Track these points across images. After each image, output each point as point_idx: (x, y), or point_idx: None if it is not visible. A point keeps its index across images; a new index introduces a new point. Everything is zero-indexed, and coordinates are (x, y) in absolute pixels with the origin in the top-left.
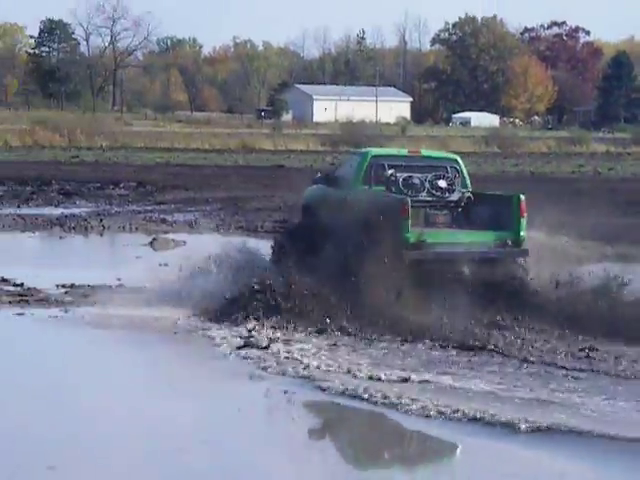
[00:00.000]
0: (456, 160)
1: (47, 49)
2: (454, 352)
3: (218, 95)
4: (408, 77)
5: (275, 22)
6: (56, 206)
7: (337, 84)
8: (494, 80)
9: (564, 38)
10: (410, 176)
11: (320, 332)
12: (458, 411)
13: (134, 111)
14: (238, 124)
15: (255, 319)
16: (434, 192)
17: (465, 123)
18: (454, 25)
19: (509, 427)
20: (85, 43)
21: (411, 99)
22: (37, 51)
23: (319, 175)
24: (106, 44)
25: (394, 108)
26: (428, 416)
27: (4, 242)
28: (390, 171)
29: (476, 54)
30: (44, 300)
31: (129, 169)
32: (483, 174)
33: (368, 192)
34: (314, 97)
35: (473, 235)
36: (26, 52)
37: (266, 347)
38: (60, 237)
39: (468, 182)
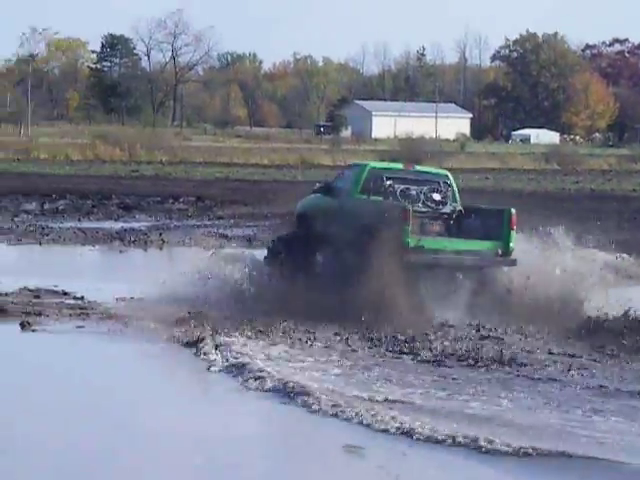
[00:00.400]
0: (447, 175)
1: (109, 64)
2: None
3: (277, 110)
4: (468, 93)
5: (335, 38)
6: (116, 220)
7: (397, 100)
8: (555, 97)
9: (626, 55)
10: (407, 188)
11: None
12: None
13: (194, 126)
14: (297, 139)
15: None
16: (429, 204)
17: (525, 140)
18: (515, 42)
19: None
20: (146, 58)
21: (471, 115)
22: (99, 66)
23: (318, 185)
24: (167, 59)
25: (454, 124)
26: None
27: (65, 255)
28: (389, 182)
29: (537, 71)
30: (104, 313)
31: (189, 184)
32: (543, 191)
33: (370, 200)
34: (373, 113)
35: (467, 244)
36: (88, 67)
37: None
38: (120, 251)
39: (457, 196)
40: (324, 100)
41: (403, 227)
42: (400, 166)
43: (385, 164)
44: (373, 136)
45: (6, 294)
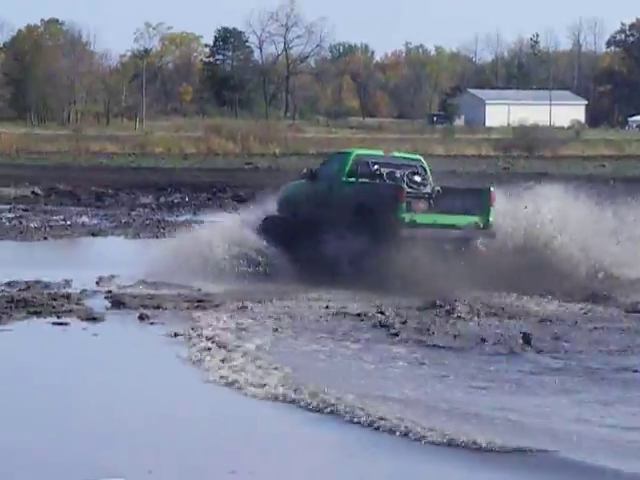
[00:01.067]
0: (421, 160)
1: (222, 57)
2: None
3: (389, 101)
4: (582, 80)
5: (447, 27)
6: (231, 212)
7: (510, 88)
8: None
9: None
10: (393, 171)
11: None
12: None
13: (306, 118)
14: (409, 129)
15: None
16: (412, 185)
17: None
18: (631, 26)
19: None
20: (259, 51)
21: (586, 102)
22: (212, 59)
23: (304, 172)
24: (279, 51)
25: (568, 112)
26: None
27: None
28: (375, 166)
29: None
30: (220, 305)
31: None
32: None
33: (364, 182)
34: (486, 101)
35: (453, 219)
36: (201, 61)
37: None
38: None
39: (431, 178)
40: (437, 89)
41: (398, 205)
42: (381, 153)
43: (369, 151)
44: (486, 125)
45: (125, 287)
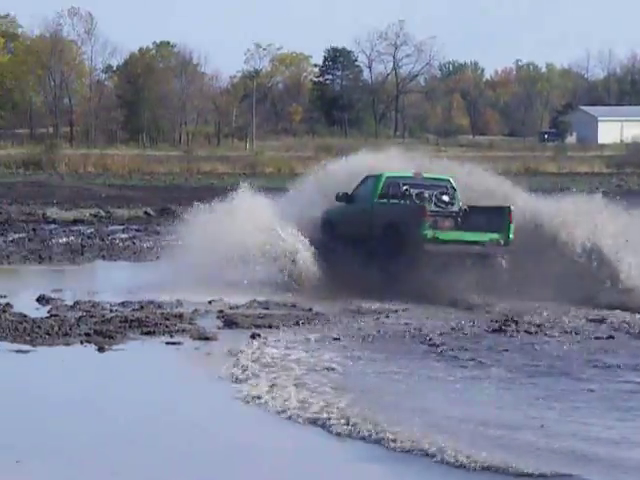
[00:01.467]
0: (450, 181)
1: (331, 77)
2: None
3: (500, 118)
4: None
5: (558, 44)
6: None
7: (623, 104)
8: None
9: None
10: (422, 192)
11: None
12: None
13: (416, 136)
14: (521, 147)
15: None
16: (440, 204)
17: None
18: None
19: None
20: (368, 70)
21: None
22: (321, 79)
23: (339, 195)
24: (388, 70)
25: None
26: None
27: None
28: (405, 187)
29: None
30: (329, 322)
31: None
32: None
33: (393, 203)
34: (599, 118)
35: (474, 235)
36: (311, 80)
37: None
38: None
39: (459, 197)
40: (547, 106)
41: (422, 222)
42: (410, 174)
43: (398, 173)
44: (599, 142)
45: (237, 307)
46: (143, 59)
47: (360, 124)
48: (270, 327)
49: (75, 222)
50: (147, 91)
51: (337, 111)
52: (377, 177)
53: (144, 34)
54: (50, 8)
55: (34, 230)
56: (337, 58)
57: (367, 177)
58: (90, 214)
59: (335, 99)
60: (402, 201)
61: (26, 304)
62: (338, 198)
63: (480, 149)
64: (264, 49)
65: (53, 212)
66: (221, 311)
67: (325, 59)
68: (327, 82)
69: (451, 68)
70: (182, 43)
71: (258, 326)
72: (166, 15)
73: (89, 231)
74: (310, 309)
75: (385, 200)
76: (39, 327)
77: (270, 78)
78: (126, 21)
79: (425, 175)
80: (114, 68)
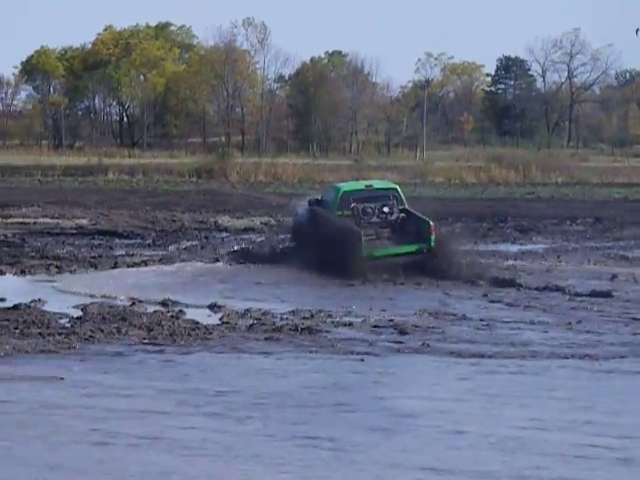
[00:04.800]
0: (396, 189)
1: (503, 86)
2: None
3: None
4: None
5: None
6: (512, 243)
7: None
8: None
9: None
10: (365, 207)
11: None
12: None
13: (590, 146)
14: None
15: None
16: (381, 216)
17: None
18: None
19: None
20: (541, 79)
21: None
22: (493, 88)
23: (312, 199)
24: (562, 79)
25: None
26: None
27: None
28: (353, 204)
29: None
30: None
31: (586, 205)
32: None
33: (342, 219)
34: None
35: (404, 248)
36: (482, 90)
37: None
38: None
39: (404, 201)
40: None
41: (358, 245)
42: (363, 186)
43: (353, 186)
44: None
45: (406, 316)
46: (315, 68)
47: (532, 134)
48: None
49: (246, 230)
50: (318, 100)
51: (509, 120)
52: (336, 190)
53: (316, 44)
54: (225, 19)
55: (206, 238)
56: (510, 67)
57: (330, 187)
58: (261, 222)
59: (507, 108)
60: (352, 214)
61: (198, 311)
62: (310, 203)
63: None
64: (435, 58)
65: (225, 220)
66: (391, 320)
67: (497, 68)
68: (499, 91)
69: (628, 77)
70: (353, 52)
71: (428, 336)
72: (338, 25)
73: (260, 239)
74: (481, 320)
75: (340, 212)
76: (210, 333)
77: (441, 87)
78: (299, 31)
79: (375, 186)
80: (286, 77)
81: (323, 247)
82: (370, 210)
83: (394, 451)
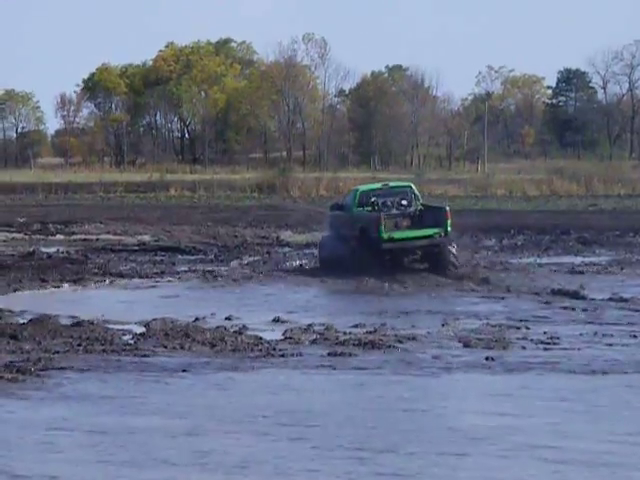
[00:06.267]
0: (411, 187)
1: (564, 98)
2: None
3: None
4: None
5: None
6: (575, 255)
7: None
8: None
9: None
10: (385, 200)
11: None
12: None
13: None
14: None
15: None
16: (400, 207)
17: None
18: None
19: None
20: (602, 91)
21: None
22: (554, 101)
23: (334, 203)
24: (624, 91)
25: None
26: None
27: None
28: (373, 198)
29: None
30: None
31: None
32: None
33: (362, 212)
34: None
35: (421, 231)
36: (543, 102)
37: None
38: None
39: (419, 197)
40: None
41: (379, 227)
42: (379, 185)
43: (369, 186)
44: None
45: (469, 329)
46: (375, 83)
47: (594, 146)
48: (504, 349)
49: (308, 245)
50: (379, 114)
51: (570, 133)
52: (354, 191)
53: (376, 58)
54: (285, 34)
55: (268, 253)
56: (570, 79)
57: (350, 190)
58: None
59: (568, 121)
60: (372, 208)
61: (261, 326)
62: (332, 208)
63: None
64: (496, 71)
65: (287, 235)
66: (454, 335)
67: (558, 80)
68: (560, 104)
69: None
70: (414, 66)
71: (491, 348)
72: (398, 39)
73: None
74: (545, 332)
75: (361, 208)
76: (274, 349)
77: (502, 100)
78: (359, 45)
79: (391, 184)
80: (346, 92)
81: (347, 239)
82: (390, 203)
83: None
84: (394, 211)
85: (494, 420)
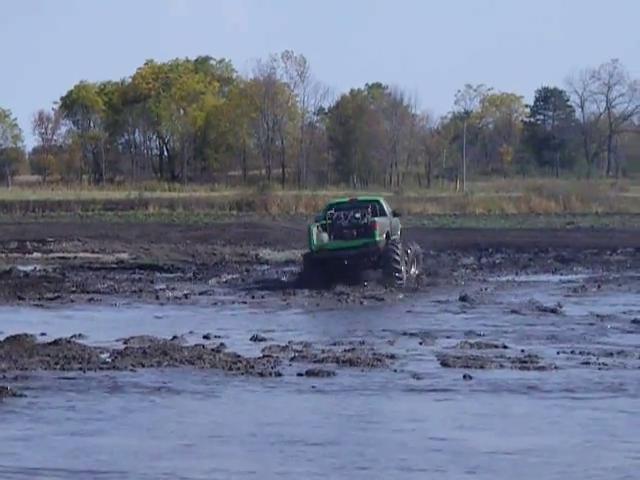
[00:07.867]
0: (378, 201)
1: (542, 117)
2: None
3: None
4: None
5: None
6: (553, 273)
7: None
8: None
9: None
10: (340, 214)
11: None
12: None
13: (630, 176)
14: None
15: None
16: (352, 221)
17: None
18: None
19: None
20: (580, 110)
21: None
22: (532, 119)
23: (319, 215)
24: (601, 110)
25: None
26: None
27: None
28: (331, 211)
29: None
30: (546, 368)
31: (625, 235)
32: None
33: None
34: None
35: (352, 242)
36: (522, 121)
37: None
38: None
39: (387, 211)
40: None
41: (310, 237)
42: (347, 199)
43: (339, 199)
44: None
45: (449, 347)
46: (354, 101)
47: (572, 164)
48: (482, 368)
49: (287, 262)
50: (358, 132)
51: (548, 151)
52: (327, 204)
53: (356, 76)
54: (264, 52)
55: (247, 271)
56: (548, 98)
57: (327, 203)
58: (302, 255)
59: (546, 139)
60: (335, 222)
61: (240, 344)
62: (316, 219)
63: None
64: (474, 90)
65: (265, 253)
66: (433, 351)
67: (536, 99)
68: (538, 122)
69: None
70: (393, 84)
71: (469, 367)
72: (378, 57)
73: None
74: (522, 350)
75: (324, 221)
76: (252, 367)
77: (481, 119)
78: (338, 63)
79: (359, 198)
80: (325, 110)
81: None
82: (342, 216)
83: None
84: (345, 223)
85: (478, 438)
